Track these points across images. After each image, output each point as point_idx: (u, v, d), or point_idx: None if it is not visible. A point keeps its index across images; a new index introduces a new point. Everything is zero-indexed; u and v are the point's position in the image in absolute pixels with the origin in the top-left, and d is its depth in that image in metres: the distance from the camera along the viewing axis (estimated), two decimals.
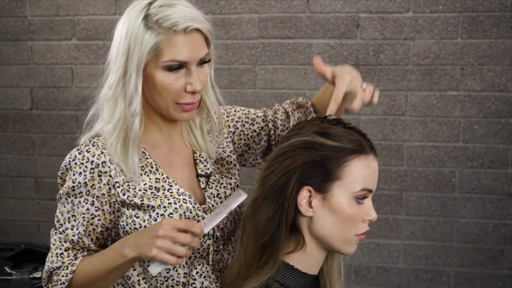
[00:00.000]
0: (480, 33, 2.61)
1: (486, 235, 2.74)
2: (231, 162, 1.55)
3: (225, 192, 1.48)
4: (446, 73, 2.66)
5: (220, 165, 1.54)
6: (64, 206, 1.40)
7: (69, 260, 1.40)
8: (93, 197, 1.38)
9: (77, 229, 1.38)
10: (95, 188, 1.37)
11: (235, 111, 1.61)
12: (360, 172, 1.23)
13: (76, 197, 1.38)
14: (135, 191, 1.39)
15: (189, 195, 1.42)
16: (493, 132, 2.66)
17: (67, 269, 1.39)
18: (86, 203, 1.38)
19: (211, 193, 1.46)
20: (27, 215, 3.09)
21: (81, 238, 1.39)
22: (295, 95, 2.76)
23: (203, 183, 1.46)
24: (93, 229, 1.39)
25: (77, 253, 1.40)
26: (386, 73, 2.70)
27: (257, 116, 1.62)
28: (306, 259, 1.29)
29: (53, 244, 1.42)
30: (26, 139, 3.04)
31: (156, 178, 1.41)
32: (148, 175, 1.41)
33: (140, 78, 1.33)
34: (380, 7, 2.66)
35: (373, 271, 2.83)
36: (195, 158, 1.49)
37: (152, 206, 1.38)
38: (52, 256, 1.41)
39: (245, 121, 1.60)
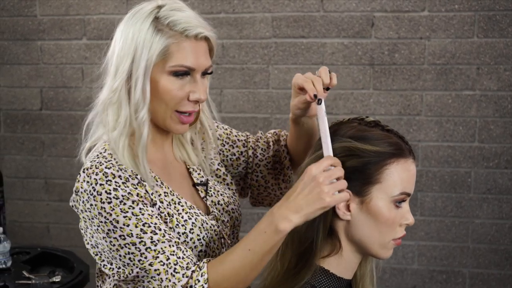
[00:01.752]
0: (497, 32, 2.58)
1: (502, 236, 2.71)
2: (220, 176, 1.51)
3: (223, 199, 1.45)
4: (462, 73, 2.63)
5: (211, 177, 1.50)
6: (128, 225, 1.24)
7: (188, 267, 1.25)
8: (149, 202, 1.28)
9: (159, 230, 1.25)
10: (142, 196, 1.27)
11: (217, 127, 1.56)
12: (400, 175, 1.21)
13: (133, 208, 1.25)
14: (158, 203, 1.32)
15: (197, 207, 1.38)
16: (509, 132, 2.64)
17: (198, 282, 1.23)
18: (148, 206, 1.27)
19: (212, 201, 1.43)
20: (36, 216, 3.06)
21: (171, 234, 1.27)
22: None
23: (201, 191, 1.43)
24: (170, 227, 1.31)
25: (185, 252, 1.26)
26: (401, 73, 2.67)
27: (238, 140, 1.57)
28: (341, 264, 1.27)
29: (156, 270, 1.23)
30: (35, 139, 3.00)
31: (165, 192, 1.34)
32: (158, 188, 1.34)
33: (148, 82, 1.27)
34: (395, 6, 2.63)
35: (387, 272, 2.80)
36: (188, 167, 1.45)
37: (171, 228, 1.31)
38: (166, 280, 1.23)
39: (225, 141, 1.56)
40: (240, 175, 1.59)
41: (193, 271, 1.24)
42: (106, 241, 1.26)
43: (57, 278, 1.83)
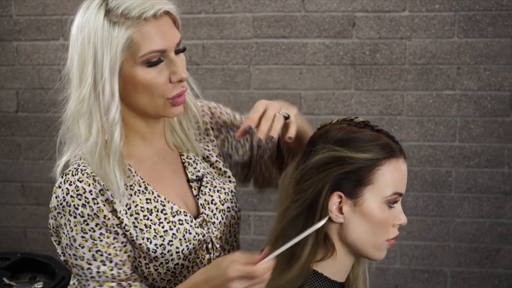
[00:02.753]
0: (477, 32, 2.60)
1: (482, 234, 2.74)
2: (220, 168, 1.44)
3: (219, 197, 1.37)
4: (442, 73, 2.65)
5: (209, 167, 1.43)
6: (82, 247, 1.23)
7: None
8: (112, 227, 1.24)
9: (110, 262, 1.24)
10: (109, 219, 1.24)
11: (220, 113, 1.48)
12: (391, 176, 1.20)
13: (94, 231, 1.23)
14: (127, 218, 1.26)
15: (184, 211, 1.31)
16: (489, 131, 2.66)
17: None
18: (110, 233, 1.24)
19: (205, 200, 1.36)
20: (13, 221, 2.99)
21: (121, 269, 1.26)
22: (290, 96, 2.73)
23: (195, 189, 1.36)
24: (128, 256, 1.27)
25: None
26: (383, 73, 2.68)
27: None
28: (335, 267, 1.25)
29: None
30: (11, 142, 2.94)
31: (147, 199, 1.28)
32: (138, 195, 1.28)
33: (116, 82, 1.19)
34: (376, 6, 2.64)
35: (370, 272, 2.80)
36: (183, 161, 1.37)
37: (148, 238, 1.26)
38: None
39: (230, 127, 1.48)
40: (244, 162, 1.52)
41: None
42: (65, 253, 1.28)
43: (38, 285, 1.78)
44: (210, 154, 1.43)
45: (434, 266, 2.78)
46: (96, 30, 1.18)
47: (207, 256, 1.36)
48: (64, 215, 1.23)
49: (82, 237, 1.22)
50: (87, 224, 1.22)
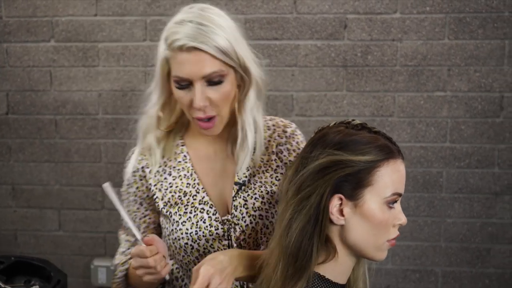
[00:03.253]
0: (467, 34, 2.63)
1: (473, 234, 2.76)
2: (279, 179, 1.52)
3: (253, 204, 1.47)
4: (433, 74, 2.67)
5: (269, 175, 1.51)
6: (123, 201, 1.54)
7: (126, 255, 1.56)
8: (141, 198, 1.53)
9: (133, 221, 1.46)
10: (140, 191, 1.53)
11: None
12: (390, 176, 1.21)
13: (128, 195, 1.55)
14: (164, 193, 1.50)
15: (211, 204, 1.46)
16: (479, 132, 2.69)
17: (123, 265, 1.55)
18: (135, 203, 1.54)
19: (239, 203, 1.47)
20: (3, 223, 2.97)
21: (138, 229, 1.48)
22: (283, 97, 2.73)
23: (234, 191, 1.47)
24: (146, 226, 1.55)
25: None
26: (374, 74, 2.69)
27: None
28: (336, 268, 1.26)
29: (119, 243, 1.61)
30: (2, 144, 2.92)
31: (187, 183, 1.48)
32: (181, 179, 1.50)
33: (159, 84, 1.43)
34: (367, 8, 2.65)
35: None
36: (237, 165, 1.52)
37: (170, 212, 1.49)
38: (116, 254, 1.59)
39: None
40: None
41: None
42: None
43: None
44: (276, 159, 1.54)
45: (425, 266, 2.80)
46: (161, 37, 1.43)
47: (218, 249, 1.46)
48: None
49: (122, 195, 1.56)
50: (125, 189, 1.56)
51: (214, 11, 1.40)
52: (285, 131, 1.54)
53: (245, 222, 1.46)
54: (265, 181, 1.49)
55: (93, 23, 2.77)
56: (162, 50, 1.38)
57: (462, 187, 2.73)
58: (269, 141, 1.52)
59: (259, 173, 1.49)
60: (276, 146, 1.51)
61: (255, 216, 1.46)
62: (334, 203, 1.20)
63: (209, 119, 1.40)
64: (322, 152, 1.22)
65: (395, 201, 1.23)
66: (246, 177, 1.48)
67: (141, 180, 1.53)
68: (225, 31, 1.36)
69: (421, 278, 2.80)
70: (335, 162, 1.20)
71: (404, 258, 2.79)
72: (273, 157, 1.51)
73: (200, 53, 1.33)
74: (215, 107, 1.38)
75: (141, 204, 1.54)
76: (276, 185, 1.50)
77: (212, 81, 1.36)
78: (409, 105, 2.70)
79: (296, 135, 1.55)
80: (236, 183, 1.47)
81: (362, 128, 1.26)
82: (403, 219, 1.25)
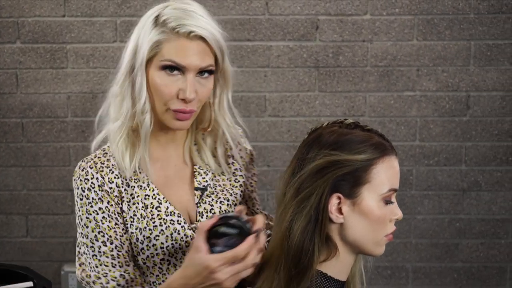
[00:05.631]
0: (435, 35, 2.70)
1: (442, 230, 2.83)
2: (238, 181, 1.51)
3: (220, 207, 1.43)
4: (402, 74, 2.73)
5: (226, 178, 1.49)
6: (87, 227, 1.36)
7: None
8: (115, 213, 1.37)
9: (111, 243, 1.35)
10: (112, 205, 1.37)
11: (253, 175, 1.58)
12: (386, 173, 1.24)
13: (97, 214, 1.36)
14: (128, 206, 1.38)
15: (178, 213, 1.38)
16: (447, 130, 2.76)
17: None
18: (112, 218, 1.37)
19: (204, 209, 1.42)
20: None
21: (120, 251, 1.36)
22: (255, 98, 2.74)
23: (197, 197, 1.42)
24: (129, 244, 1.38)
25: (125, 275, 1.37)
26: (345, 75, 2.73)
27: (250, 205, 1.59)
28: (338, 266, 1.28)
29: (94, 271, 1.37)
30: None
31: (146, 195, 1.38)
32: (140, 189, 1.39)
33: (144, 74, 1.32)
34: (338, 9, 2.69)
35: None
36: (194, 170, 1.45)
37: (139, 228, 1.37)
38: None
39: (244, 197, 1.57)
40: None
41: None
42: (77, 230, 1.41)
43: None
44: (233, 163, 1.50)
45: (396, 263, 2.85)
46: (144, 26, 1.33)
47: None
48: (75, 196, 1.38)
49: (87, 217, 1.36)
50: (91, 206, 1.35)
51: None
52: (238, 139, 1.53)
53: None
54: (223, 184, 1.47)
55: (61, 24, 2.72)
56: (155, 32, 1.30)
57: (431, 184, 2.80)
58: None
59: (215, 177, 1.47)
60: (231, 148, 1.50)
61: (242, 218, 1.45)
62: (333, 202, 1.23)
63: (184, 112, 1.34)
64: (318, 153, 1.24)
65: (391, 197, 1.26)
66: (206, 181, 1.44)
67: (109, 194, 1.37)
68: (219, 28, 1.37)
69: (393, 274, 2.86)
70: (332, 162, 1.23)
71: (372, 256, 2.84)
72: (230, 160, 1.50)
73: (203, 44, 1.31)
74: (197, 102, 1.35)
75: (117, 219, 1.38)
76: (236, 187, 1.49)
77: (203, 74, 1.33)
78: (379, 105, 2.75)
79: (242, 136, 1.55)
80: (196, 189, 1.43)
81: (355, 127, 1.29)
82: (399, 214, 1.28)
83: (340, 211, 1.24)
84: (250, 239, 1.20)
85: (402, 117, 2.76)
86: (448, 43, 2.70)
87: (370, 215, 1.23)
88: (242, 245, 1.19)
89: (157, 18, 1.32)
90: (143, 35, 1.32)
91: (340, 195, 1.22)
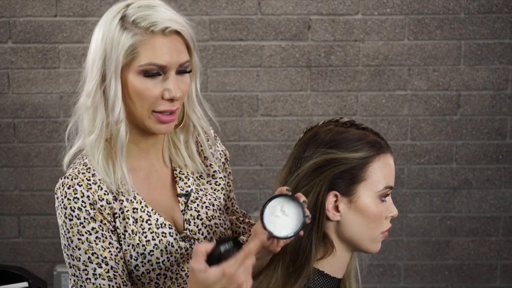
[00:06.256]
0: (426, 35, 2.72)
1: (433, 228, 2.86)
2: (219, 184, 1.45)
3: (206, 213, 1.39)
4: (394, 74, 2.75)
5: (206, 181, 1.44)
6: (79, 249, 1.27)
7: None
8: (109, 232, 1.29)
9: (106, 264, 1.28)
10: (105, 224, 1.29)
11: (228, 175, 1.51)
12: (382, 171, 1.26)
13: (90, 234, 1.27)
14: (119, 222, 1.31)
15: (169, 225, 1.34)
16: (438, 129, 2.79)
17: None
18: (105, 238, 1.28)
19: (191, 215, 1.37)
20: None
21: (117, 272, 1.29)
22: (248, 98, 2.75)
23: (182, 204, 1.37)
24: (123, 265, 1.31)
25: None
26: (337, 74, 2.75)
27: (228, 206, 1.53)
28: (334, 263, 1.29)
29: None
30: None
31: (134, 208, 1.32)
32: (127, 203, 1.33)
33: (119, 82, 1.24)
34: (330, 9, 2.70)
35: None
36: (175, 175, 1.39)
37: (132, 245, 1.31)
38: None
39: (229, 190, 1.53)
40: None
41: None
42: (63, 252, 1.31)
43: None
44: (215, 171, 1.45)
45: (388, 260, 2.88)
46: (109, 31, 1.25)
47: None
48: (62, 216, 1.28)
49: (79, 239, 1.27)
50: (84, 227, 1.27)
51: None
52: (209, 134, 1.47)
53: (202, 234, 1.38)
54: (205, 188, 1.43)
55: (53, 24, 2.71)
56: (127, 36, 1.22)
57: (422, 182, 2.83)
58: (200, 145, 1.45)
59: (195, 180, 1.42)
60: (207, 149, 1.45)
61: (211, 225, 1.39)
62: (330, 200, 1.24)
63: (171, 112, 1.29)
64: (315, 151, 1.25)
65: (387, 194, 1.28)
66: (188, 186, 1.39)
67: (101, 213, 1.29)
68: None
69: (385, 272, 2.88)
70: (329, 161, 1.24)
71: (368, 254, 2.86)
72: (207, 162, 1.45)
73: (178, 38, 1.26)
74: (180, 100, 1.29)
75: (111, 238, 1.29)
76: (218, 191, 1.45)
77: (183, 70, 1.28)
78: (371, 104, 2.77)
79: (216, 136, 1.50)
80: (180, 195, 1.38)
81: (350, 125, 1.30)
82: (394, 211, 1.29)
83: (337, 209, 1.25)
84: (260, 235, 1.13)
85: (394, 116, 2.78)
86: (438, 42, 2.72)
87: (367, 212, 1.25)
88: (251, 243, 1.11)
89: (123, 19, 1.24)
90: (111, 40, 1.24)
91: (337, 193, 1.24)
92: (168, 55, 1.24)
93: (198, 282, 1.10)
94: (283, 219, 1.14)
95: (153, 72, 1.24)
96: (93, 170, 1.30)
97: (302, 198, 1.17)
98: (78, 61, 2.73)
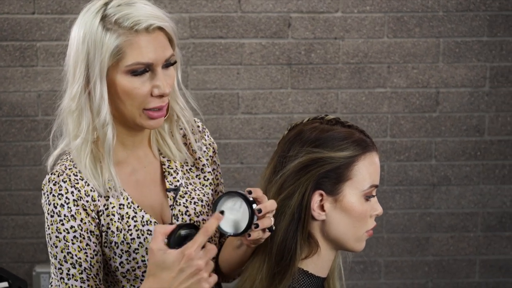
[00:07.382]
0: (405, 33, 2.74)
1: (413, 224, 2.88)
2: (208, 179, 1.45)
3: (195, 209, 1.38)
4: (374, 71, 2.76)
5: (195, 175, 1.44)
6: (56, 247, 1.28)
7: None
8: (88, 232, 1.29)
9: (80, 266, 1.27)
10: (85, 223, 1.28)
11: (218, 178, 1.51)
12: (367, 169, 1.26)
13: (68, 233, 1.27)
14: (104, 219, 1.31)
15: (155, 222, 1.33)
16: (417, 126, 2.81)
17: None
18: (83, 238, 1.28)
19: (179, 211, 1.37)
20: None
21: (90, 274, 1.28)
22: (228, 95, 2.75)
23: (170, 199, 1.37)
24: (99, 266, 1.30)
25: None
26: (318, 72, 2.76)
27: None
28: (319, 263, 1.29)
29: None
30: None
31: (120, 204, 1.32)
32: (113, 198, 1.32)
33: (105, 84, 1.24)
34: (310, 7, 2.71)
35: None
36: (164, 170, 1.39)
37: (116, 243, 1.30)
38: None
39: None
40: None
41: None
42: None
43: None
44: (204, 165, 1.44)
45: (369, 257, 2.89)
46: (91, 32, 1.23)
47: None
48: (45, 212, 1.30)
49: (56, 236, 1.27)
50: (63, 224, 1.27)
51: None
52: (198, 126, 1.47)
53: None
54: (194, 182, 1.42)
55: (30, 21, 2.68)
56: (111, 37, 1.21)
57: (402, 179, 2.85)
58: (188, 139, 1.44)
59: (184, 174, 1.41)
60: (194, 143, 1.44)
61: (199, 222, 1.39)
62: (315, 200, 1.23)
63: (161, 108, 1.29)
64: (300, 150, 1.25)
65: (373, 195, 1.28)
66: (177, 180, 1.39)
67: (85, 209, 1.29)
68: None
69: (365, 269, 2.90)
70: (315, 160, 1.23)
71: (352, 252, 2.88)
72: (196, 155, 1.44)
73: (161, 33, 1.25)
74: (169, 94, 1.30)
75: (89, 239, 1.29)
76: (207, 186, 1.44)
77: (168, 64, 1.27)
78: (351, 102, 2.78)
79: (205, 128, 1.50)
80: (168, 190, 1.37)
81: (336, 123, 1.29)
82: (379, 209, 1.29)
83: (322, 208, 1.25)
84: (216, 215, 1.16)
85: (373, 113, 2.79)
86: (417, 40, 2.74)
87: (352, 211, 1.24)
88: (209, 221, 1.14)
89: (104, 20, 1.22)
90: (93, 43, 1.22)
91: (323, 192, 1.23)
92: (154, 53, 1.24)
93: (157, 262, 1.11)
94: (236, 216, 1.18)
95: (141, 70, 1.24)
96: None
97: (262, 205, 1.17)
98: (57, 59, 2.70)
